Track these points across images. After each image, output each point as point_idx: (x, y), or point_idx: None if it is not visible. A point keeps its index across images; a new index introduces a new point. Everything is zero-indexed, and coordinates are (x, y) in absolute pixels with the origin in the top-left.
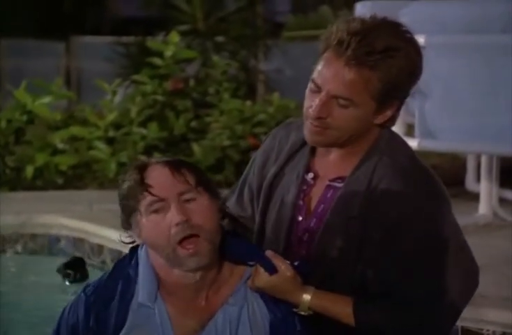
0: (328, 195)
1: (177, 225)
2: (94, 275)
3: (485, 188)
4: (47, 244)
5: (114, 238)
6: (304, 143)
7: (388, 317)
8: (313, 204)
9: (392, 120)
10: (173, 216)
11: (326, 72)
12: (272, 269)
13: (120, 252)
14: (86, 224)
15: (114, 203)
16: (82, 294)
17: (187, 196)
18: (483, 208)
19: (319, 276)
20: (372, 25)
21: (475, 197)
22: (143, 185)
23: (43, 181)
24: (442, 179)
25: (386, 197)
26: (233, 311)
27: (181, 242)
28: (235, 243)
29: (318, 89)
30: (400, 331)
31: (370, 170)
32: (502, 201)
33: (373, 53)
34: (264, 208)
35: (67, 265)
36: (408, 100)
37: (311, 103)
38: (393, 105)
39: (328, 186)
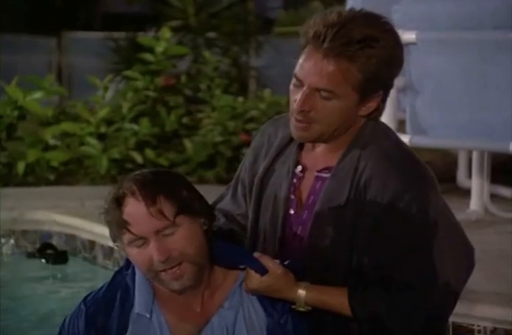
0: (317, 187)
1: (158, 261)
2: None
3: (477, 184)
4: (39, 240)
5: (106, 234)
6: (292, 138)
7: (383, 302)
8: (304, 196)
9: (377, 111)
10: (153, 254)
11: (305, 66)
12: (262, 270)
13: (111, 248)
14: (77, 220)
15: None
16: (82, 305)
17: (166, 232)
18: (475, 204)
19: (314, 267)
20: (349, 16)
21: (466, 193)
22: (122, 222)
23: (35, 177)
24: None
25: (372, 184)
26: (229, 315)
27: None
28: (223, 248)
29: (300, 83)
30: (397, 316)
31: (356, 158)
32: (493, 197)
33: (350, 44)
34: (256, 203)
35: (42, 248)
36: (399, 96)
37: (295, 97)
38: (376, 96)
39: (317, 177)
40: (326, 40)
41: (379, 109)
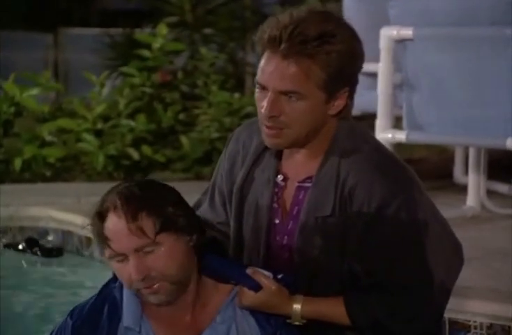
0: (300, 197)
1: (135, 280)
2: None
3: (473, 181)
4: (36, 237)
5: None
6: None
7: (382, 308)
8: (288, 206)
9: (346, 110)
10: (131, 272)
11: (266, 70)
12: (256, 287)
13: None
14: (74, 216)
15: (102, 195)
16: (68, 319)
17: (146, 249)
18: (471, 200)
19: (304, 277)
20: (301, 16)
21: (463, 189)
22: (103, 238)
23: (31, 173)
24: (430, 171)
25: (357, 192)
26: (221, 330)
27: None
28: (215, 263)
29: (264, 89)
30: (398, 321)
31: (335, 166)
32: (490, 193)
33: (308, 41)
34: (237, 213)
35: (30, 244)
36: (396, 92)
37: (262, 104)
38: (342, 92)
39: (299, 187)
40: (282, 42)
41: (348, 107)
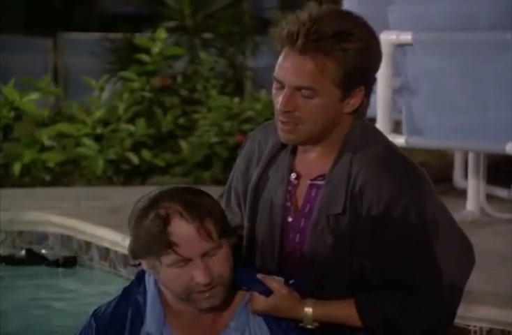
0: (313, 194)
1: (203, 282)
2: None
3: (473, 185)
4: (35, 241)
5: (102, 235)
6: (284, 144)
7: (393, 308)
8: (300, 204)
9: (361, 109)
10: (198, 275)
11: (283, 66)
12: (267, 291)
13: (107, 249)
14: (73, 221)
15: (101, 200)
16: (92, 321)
17: (210, 253)
18: (471, 204)
19: (316, 276)
20: (319, 13)
21: (462, 193)
22: (168, 243)
23: (31, 177)
24: (430, 175)
25: (367, 190)
26: None
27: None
28: None
29: (281, 85)
30: (409, 320)
31: (348, 164)
32: (490, 197)
33: (325, 38)
34: (251, 211)
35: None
36: (395, 97)
37: (278, 100)
38: (358, 91)
39: (311, 185)
40: (299, 37)
41: (363, 107)
